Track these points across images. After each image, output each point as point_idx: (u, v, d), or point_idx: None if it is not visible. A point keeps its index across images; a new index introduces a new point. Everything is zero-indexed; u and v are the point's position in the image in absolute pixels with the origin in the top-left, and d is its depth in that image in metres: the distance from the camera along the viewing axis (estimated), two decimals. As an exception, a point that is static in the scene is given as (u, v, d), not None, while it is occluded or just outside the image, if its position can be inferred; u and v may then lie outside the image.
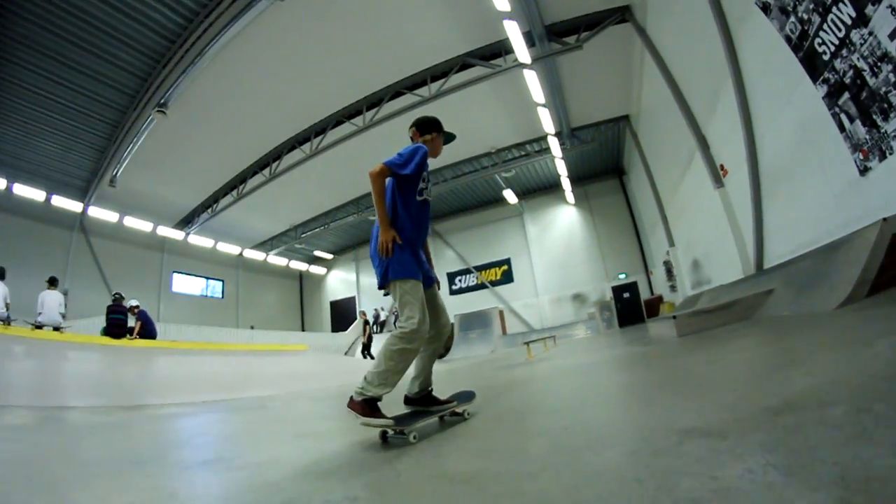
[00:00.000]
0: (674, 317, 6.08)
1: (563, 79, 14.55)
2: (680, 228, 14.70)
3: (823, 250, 5.37)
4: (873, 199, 4.80)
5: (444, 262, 25.94)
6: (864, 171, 4.92)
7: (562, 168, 19.57)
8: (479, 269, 25.52)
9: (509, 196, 22.04)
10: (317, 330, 28.45)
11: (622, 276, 21.85)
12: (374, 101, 14.63)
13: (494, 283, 24.97)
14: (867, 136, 4.69)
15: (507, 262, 24.92)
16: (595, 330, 18.23)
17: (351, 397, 2.44)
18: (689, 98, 10.26)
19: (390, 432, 2.51)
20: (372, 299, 27.22)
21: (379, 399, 2.45)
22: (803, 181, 6.28)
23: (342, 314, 28.25)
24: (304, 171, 16.81)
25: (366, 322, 17.87)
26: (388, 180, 2.63)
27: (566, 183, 21.19)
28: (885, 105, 4.31)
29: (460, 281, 26.07)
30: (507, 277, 24.76)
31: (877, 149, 4.60)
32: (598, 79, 14.89)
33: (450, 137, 3.00)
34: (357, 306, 27.42)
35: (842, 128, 5.04)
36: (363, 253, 28.04)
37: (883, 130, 4.43)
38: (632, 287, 20.48)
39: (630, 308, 19.70)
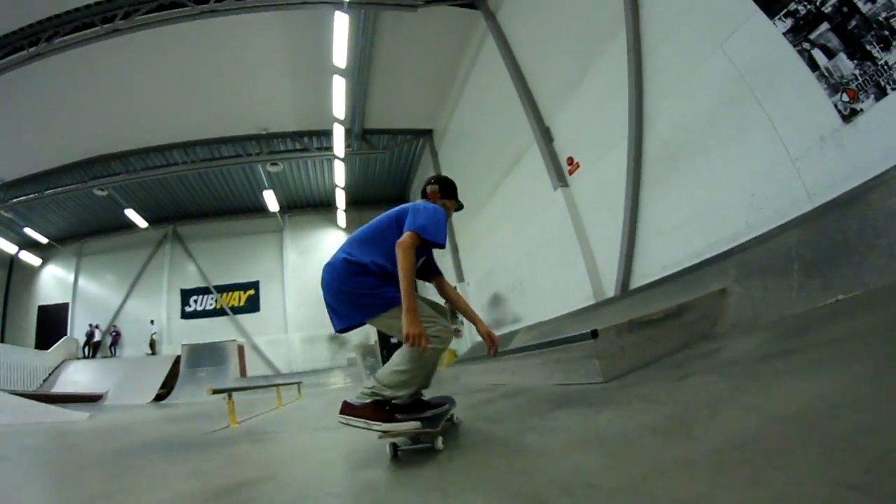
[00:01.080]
0: (594, 334, 3.75)
1: (376, 55, 13.48)
2: (475, 260, 14.63)
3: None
4: (863, 151, 4.07)
5: (180, 275, 22.23)
6: (849, 115, 4.24)
7: (340, 176, 18.53)
8: (221, 290, 22.18)
9: (270, 200, 19.93)
10: (18, 342, 20.27)
11: None
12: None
13: (237, 311, 21.85)
14: (857, 72, 4.15)
15: (256, 286, 22.25)
16: (357, 379, 17.09)
17: (346, 402, 2.30)
18: (536, 88, 9.86)
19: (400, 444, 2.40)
20: (90, 309, 21.59)
21: (390, 402, 2.33)
22: (731, 153, 5.39)
23: (51, 324, 21.58)
24: (18, 95, 12.25)
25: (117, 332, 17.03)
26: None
27: (341, 198, 20.22)
28: (887, 33, 3.87)
29: (195, 302, 22.24)
30: (253, 305, 21.93)
31: (872, 85, 4.04)
32: (417, 69, 14.20)
33: (460, 208, 3.10)
34: (70, 317, 21.60)
35: (814, 66, 4.44)
36: (91, 247, 22.71)
37: (882, 62, 3.95)
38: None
39: None
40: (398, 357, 2.37)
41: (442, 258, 16.89)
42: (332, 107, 14.09)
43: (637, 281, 7.04)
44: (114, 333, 21.06)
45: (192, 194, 20.70)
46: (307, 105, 15.42)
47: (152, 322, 21.19)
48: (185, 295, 22.26)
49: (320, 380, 17.45)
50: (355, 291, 2.46)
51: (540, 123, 9.50)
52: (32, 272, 22.88)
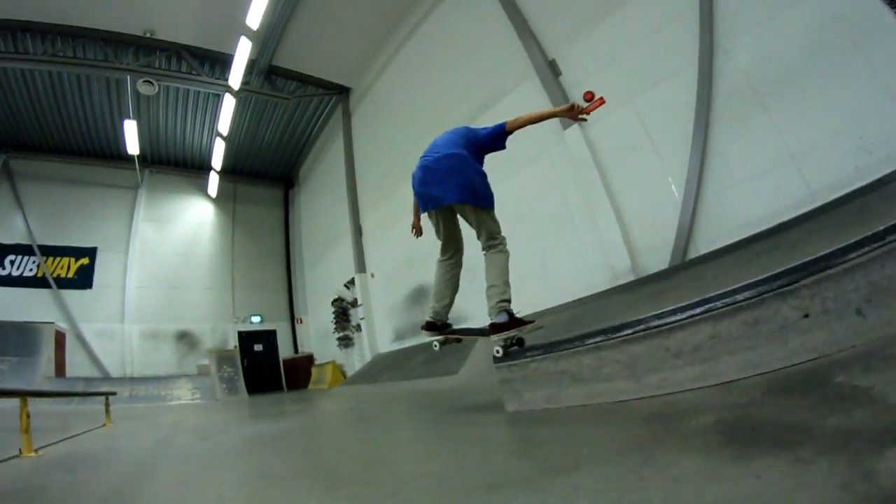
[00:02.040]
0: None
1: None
2: (383, 246, 13.71)
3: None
4: None
5: (3, 223, 18.25)
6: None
7: (225, 122, 16.32)
8: (48, 252, 18.75)
9: (130, 135, 16.82)
10: None
11: (256, 318, 19.14)
12: None
13: (63, 283, 18.79)
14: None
15: (92, 254, 19.27)
16: (209, 394, 15.31)
17: (494, 323, 3.35)
18: (537, 18, 9.14)
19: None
20: None
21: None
22: (831, 93, 5.26)
23: None
24: None
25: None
26: (474, 141, 3.73)
27: (219, 152, 17.93)
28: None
29: (11, 263, 18.48)
30: (85, 279, 19.12)
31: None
32: (357, 10, 13.40)
33: None
34: None
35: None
36: None
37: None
38: (268, 337, 17.79)
39: (263, 367, 17.18)
40: (498, 270, 3.40)
41: (327, 252, 17.29)
42: (247, 12, 12.24)
43: (702, 247, 6.34)
44: None
45: (37, 115, 16.81)
46: (213, 11, 13.17)
47: None
48: (1, 252, 18.63)
49: (160, 390, 15.38)
50: (474, 181, 3.42)
51: (542, 55, 8.77)
52: None
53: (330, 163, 17.45)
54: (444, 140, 3.65)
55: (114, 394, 8.57)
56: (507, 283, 3.33)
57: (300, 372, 18.22)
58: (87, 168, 19.38)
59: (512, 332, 3.24)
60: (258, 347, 18.57)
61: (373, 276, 14.17)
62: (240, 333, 18.72)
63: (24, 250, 18.59)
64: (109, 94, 16.08)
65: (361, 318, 14.37)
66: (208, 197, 20.39)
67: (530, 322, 3.32)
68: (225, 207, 20.61)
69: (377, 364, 12.74)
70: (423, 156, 3.61)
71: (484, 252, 3.52)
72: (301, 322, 19.76)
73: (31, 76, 14.94)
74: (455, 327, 3.90)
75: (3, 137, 17.67)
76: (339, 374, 15.89)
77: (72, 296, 18.45)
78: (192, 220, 20.23)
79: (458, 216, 3.65)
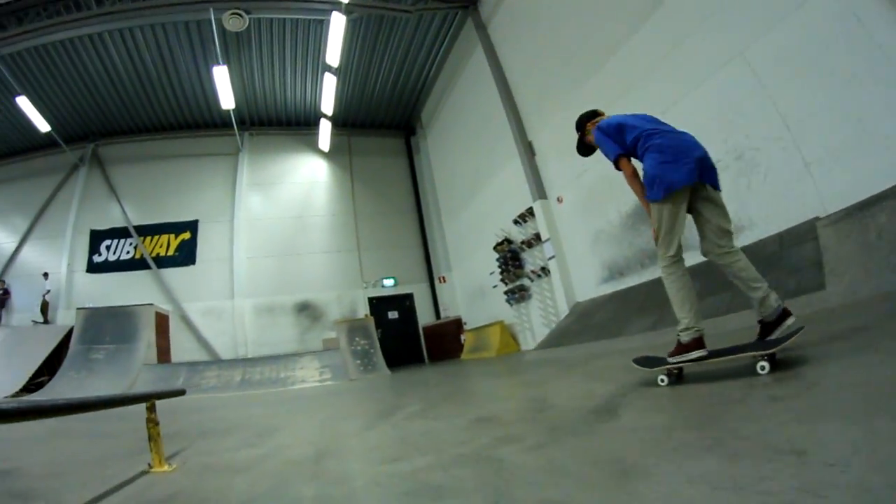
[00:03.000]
0: None
1: None
2: (566, 164, 10.19)
3: None
4: None
5: (93, 211, 16.77)
6: None
7: (334, 52, 13.52)
8: (145, 232, 16.70)
9: (222, 87, 14.17)
10: None
11: (388, 282, 16.20)
12: None
13: (163, 263, 16.48)
14: None
15: (193, 227, 16.89)
16: (341, 372, 11.93)
17: (680, 343, 3.01)
18: None
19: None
20: None
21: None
22: None
23: None
24: None
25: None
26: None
27: (328, 94, 15.20)
28: None
29: (108, 249, 16.65)
30: (187, 255, 16.67)
31: None
32: None
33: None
34: None
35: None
36: None
37: None
38: (403, 302, 14.43)
39: (400, 337, 13.93)
40: (753, 272, 3.01)
41: (477, 190, 14.27)
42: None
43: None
44: (1, 291, 16.01)
45: (122, 97, 15.67)
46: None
47: (45, 276, 15.96)
48: (96, 239, 16.85)
49: (280, 371, 12.21)
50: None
51: None
52: None
53: (466, 89, 14.39)
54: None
55: (182, 393, 5.23)
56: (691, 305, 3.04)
57: (445, 340, 14.96)
58: (179, 141, 17.75)
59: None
60: (393, 315, 15.29)
61: (560, 200, 10.51)
62: (370, 300, 15.54)
63: (120, 233, 16.73)
64: (193, 47, 14.08)
65: (550, 257, 10.62)
66: (319, 152, 17.76)
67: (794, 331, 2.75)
68: (340, 162, 17.92)
69: (583, 317, 9.06)
70: (652, 128, 3.21)
71: (724, 253, 3.04)
72: (444, 281, 16.28)
73: (108, 57, 13.87)
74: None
75: (90, 127, 16.96)
76: (510, 338, 12.16)
77: (173, 275, 16.07)
78: (303, 179, 17.57)
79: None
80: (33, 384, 11.87)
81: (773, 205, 5.77)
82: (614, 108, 3.95)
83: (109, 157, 17.56)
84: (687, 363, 2.95)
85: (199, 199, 16.90)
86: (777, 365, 2.65)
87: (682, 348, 2.96)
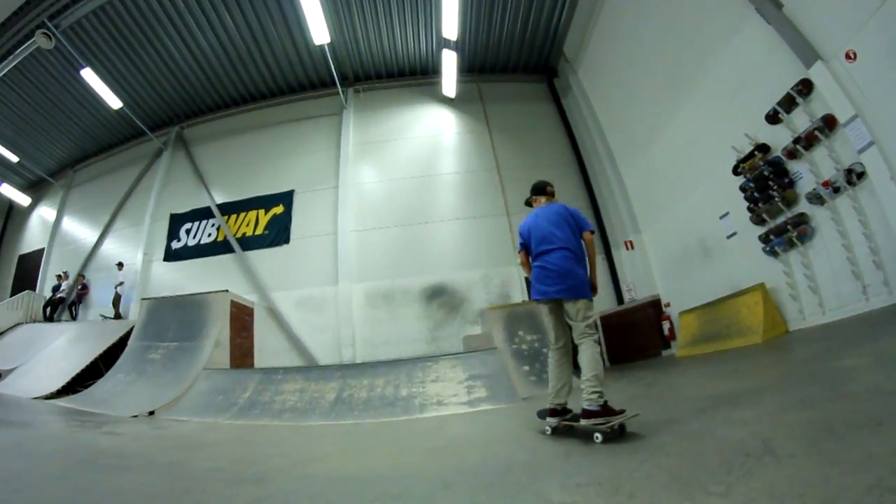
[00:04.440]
0: None
1: None
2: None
3: None
4: None
5: (174, 195, 15.00)
6: None
7: None
8: (229, 210, 13.93)
9: (314, 22, 11.29)
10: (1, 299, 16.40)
11: None
12: None
13: (249, 244, 13.28)
14: None
15: (287, 199, 13.51)
16: (502, 388, 7.42)
17: (585, 409, 3.43)
18: None
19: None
20: (65, 256, 16.47)
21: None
22: None
23: (27, 277, 17.83)
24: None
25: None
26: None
27: (450, 22, 11.96)
28: None
29: (188, 233, 14.20)
30: (279, 233, 13.25)
31: None
32: None
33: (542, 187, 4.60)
34: (42, 266, 17.10)
35: None
36: (82, 176, 18.08)
37: None
38: None
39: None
40: (593, 362, 3.63)
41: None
42: None
43: None
44: (80, 287, 14.83)
45: (207, 75, 14.43)
46: None
47: (119, 267, 13.86)
48: (176, 223, 14.35)
49: (402, 386, 7.68)
50: (581, 277, 3.90)
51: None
52: (23, 217, 19.55)
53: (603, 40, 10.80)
54: (553, 224, 4.05)
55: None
56: (597, 377, 3.52)
57: (636, 331, 10.36)
58: (271, 109, 15.30)
59: (600, 421, 3.34)
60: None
61: (851, 56, 5.95)
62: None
63: (202, 215, 14.22)
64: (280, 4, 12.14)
65: (865, 147, 5.63)
66: (443, 101, 14.06)
67: (621, 412, 3.38)
68: (471, 111, 14.04)
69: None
70: (538, 250, 4.04)
71: (580, 340, 3.84)
72: (631, 247, 11.19)
73: (190, 35, 12.80)
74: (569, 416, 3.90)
75: (175, 110, 15.93)
76: (776, 311, 7.18)
77: (262, 258, 12.78)
78: (424, 133, 13.79)
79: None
80: (80, 386, 9.51)
81: None
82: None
83: (194, 138, 15.88)
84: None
85: (294, 167, 13.69)
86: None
87: (609, 411, 3.45)
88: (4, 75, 12.81)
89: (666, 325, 9.92)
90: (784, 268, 7.32)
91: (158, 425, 6.36)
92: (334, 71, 13.01)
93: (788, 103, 6.90)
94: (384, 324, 11.21)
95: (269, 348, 10.92)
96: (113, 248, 15.05)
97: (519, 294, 10.97)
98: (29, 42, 11.75)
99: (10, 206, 19.74)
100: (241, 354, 10.33)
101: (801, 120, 6.80)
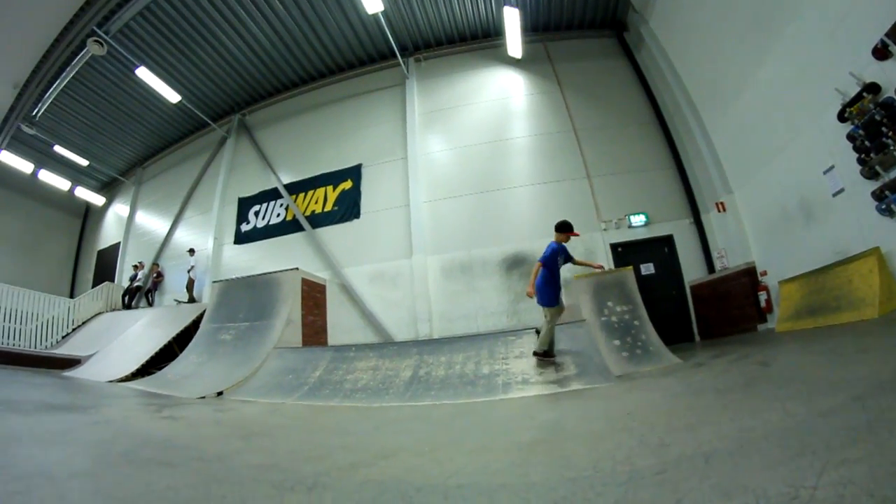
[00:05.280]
0: None
1: None
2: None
3: None
4: None
5: (240, 179, 15.06)
6: None
7: None
8: (297, 189, 13.72)
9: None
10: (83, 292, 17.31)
11: (638, 219, 10.92)
12: None
13: (319, 221, 12.99)
14: None
15: (356, 174, 13.03)
16: (593, 366, 6.62)
17: (534, 352, 6.51)
18: None
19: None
20: (140, 247, 17.03)
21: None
22: None
23: (106, 270, 18.69)
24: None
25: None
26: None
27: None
28: None
29: (257, 215, 14.13)
30: (349, 208, 12.81)
31: None
32: None
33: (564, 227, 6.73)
34: (119, 258, 17.71)
35: None
36: (151, 171, 18.78)
37: None
38: (661, 248, 10.70)
39: (663, 301, 10.04)
40: (545, 336, 6.47)
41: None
42: None
43: None
44: (155, 275, 15.36)
45: (263, 61, 14.23)
46: None
47: (191, 253, 13.93)
48: (244, 207, 14.27)
49: (483, 363, 6.98)
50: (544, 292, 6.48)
51: None
52: (100, 215, 20.51)
53: None
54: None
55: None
56: (544, 342, 6.39)
57: (729, 303, 9.29)
58: (330, 88, 14.90)
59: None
60: (647, 269, 9.77)
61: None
62: (614, 247, 10.03)
63: (269, 196, 14.11)
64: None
65: None
66: (510, 63, 13.15)
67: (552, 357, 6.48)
68: (540, 71, 13.07)
69: None
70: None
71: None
72: (722, 209, 9.83)
73: (243, 26, 12.65)
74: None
75: (235, 98, 15.91)
76: (893, 282, 5.83)
77: (332, 234, 12.40)
78: (493, 96, 12.92)
79: None
80: (155, 369, 9.58)
81: None
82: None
83: (256, 123, 15.85)
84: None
85: (360, 141, 13.16)
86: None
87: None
88: (65, 86, 13.19)
89: (763, 297, 8.65)
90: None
91: (223, 407, 6.07)
92: (392, 41, 12.36)
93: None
94: (462, 297, 10.49)
95: (342, 325, 10.57)
96: (185, 236, 15.20)
97: (606, 262, 9.94)
98: (83, 52, 12.04)
99: (87, 207, 20.65)
100: (314, 332, 10.01)
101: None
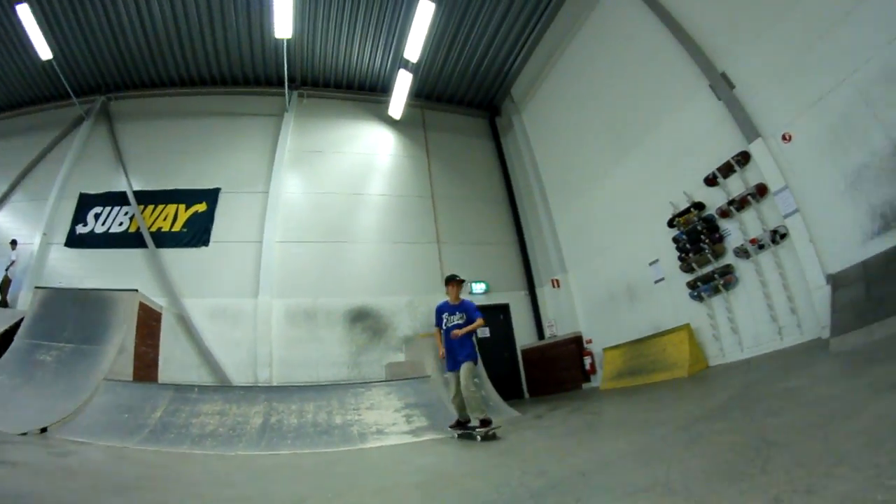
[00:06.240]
0: None
1: None
2: (795, 86, 7.29)
3: None
4: None
5: (87, 173, 13.45)
6: None
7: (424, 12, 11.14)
8: (146, 199, 12.86)
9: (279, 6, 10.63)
10: None
11: (479, 287, 12.61)
12: None
13: (163, 240, 12.33)
14: None
15: (213, 197, 12.76)
16: (439, 417, 7.43)
17: (481, 420, 5.66)
18: None
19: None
20: None
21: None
22: None
23: None
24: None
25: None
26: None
27: (414, 44, 12.18)
28: None
29: (96, 218, 12.76)
30: (198, 233, 12.49)
31: None
32: None
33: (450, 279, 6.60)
34: None
35: None
36: None
37: None
38: (498, 315, 12.36)
39: (496, 363, 11.39)
40: (470, 402, 5.87)
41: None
42: None
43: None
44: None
45: (150, 46, 13.25)
46: None
47: (13, 245, 12.10)
48: (84, 205, 12.89)
49: (335, 414, 7.39)
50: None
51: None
52: None
53: (592, 40, 11.21)
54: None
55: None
56: (478, 405, 5.74)
57: (556, 366, 11.21)
58: (211, 97, 14.33)
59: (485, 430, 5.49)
60: (483, 333, 11.17)
61: (787, 138, 7.26)
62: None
63: (115, 199, 12.90)
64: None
65: (790, 213, 6.96)
66: (386, 122, 13.98)
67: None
68: (412, 135, 14.06)
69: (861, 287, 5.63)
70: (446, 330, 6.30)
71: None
72: (557, 285, 11.89)
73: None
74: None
75: (106, 77, 14.39)
76: (698, 349, 8.24)
77: (177, 258, 11.85)
78: (363, 150, 13.55)
79: None
80: None
81: None
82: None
83: (121, 112, 14.34)
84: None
85: (224, 164, 12.87)
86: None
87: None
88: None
89: (588, 360, 10.63)
90: (708, 311, 8.32)
91: (59, 450, 5.23)
92: (285, 69, 12.46)
93: (727, 170, 7.95)
94: (304, 344, 10.74)
95: (176, 361, 10.09)
96: (5, 223, 13.02)
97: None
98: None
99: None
100: (145, 365, 9.53)
101: (736, 185, 7.86)
